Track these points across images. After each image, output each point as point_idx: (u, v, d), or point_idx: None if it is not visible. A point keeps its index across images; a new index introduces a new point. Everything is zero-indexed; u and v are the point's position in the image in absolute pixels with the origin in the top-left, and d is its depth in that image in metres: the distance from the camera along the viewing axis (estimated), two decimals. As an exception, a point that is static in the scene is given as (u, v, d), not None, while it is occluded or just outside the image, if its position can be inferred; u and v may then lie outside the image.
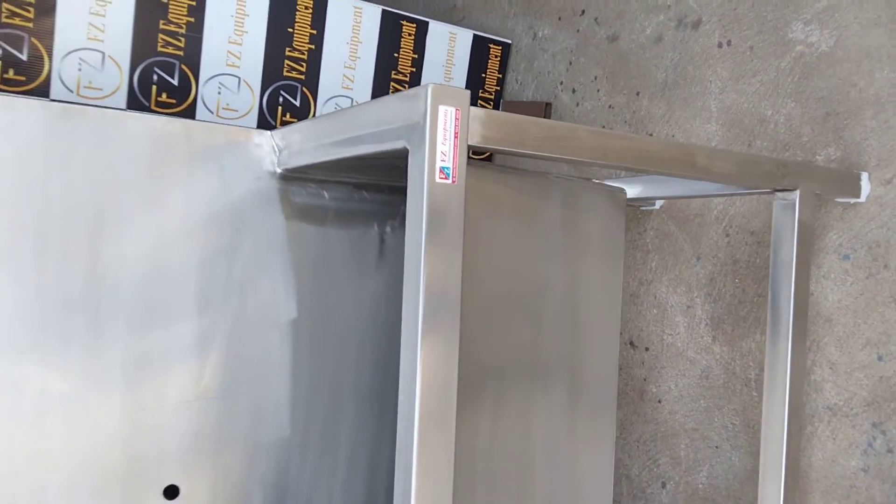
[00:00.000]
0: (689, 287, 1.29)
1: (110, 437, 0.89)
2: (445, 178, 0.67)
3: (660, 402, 1.33)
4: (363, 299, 1.08)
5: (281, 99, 1.48)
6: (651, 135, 1.37)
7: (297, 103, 1.50)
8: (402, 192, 1.15)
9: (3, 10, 1.19)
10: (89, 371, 0.88)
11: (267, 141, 1.00)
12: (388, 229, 1.10)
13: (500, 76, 1.71)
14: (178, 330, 0.94)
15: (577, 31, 1.55)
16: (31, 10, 1.20)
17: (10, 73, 1.22)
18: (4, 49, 1.20)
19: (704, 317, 1.27)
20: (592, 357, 1.11)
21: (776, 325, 0.98)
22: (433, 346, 0.66)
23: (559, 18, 1.60)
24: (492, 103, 1.72)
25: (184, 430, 0.94)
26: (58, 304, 0.86)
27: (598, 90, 1.49)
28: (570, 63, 1.57)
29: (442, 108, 0.66)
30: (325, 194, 1.05)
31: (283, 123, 1.47)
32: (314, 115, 1.49)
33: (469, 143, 0.69)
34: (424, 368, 0.66)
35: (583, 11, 1.54)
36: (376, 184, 1.09)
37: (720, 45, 1.26)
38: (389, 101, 0.73)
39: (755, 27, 1.21)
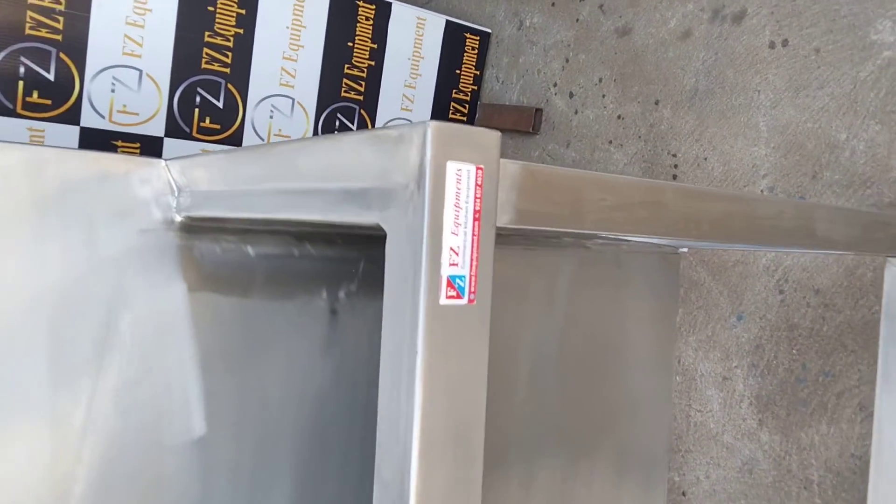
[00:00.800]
0: (727, 353, 1.01)
1: None
2: (458, 297, 0.36)
3: (684, 494, 1.05)
4: (305, 399, 0.76)
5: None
6: (674, 155, 1.08)
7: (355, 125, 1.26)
8: (364, 241, 0.83)
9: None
10: None
11: (160, 175, 0.67)
12: (341, 296, 0.78)
13: (478, 73, 1.40)
14: (18, 462, 0.61)
15: (577, 20, 1.25)
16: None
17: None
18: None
19: (748, 394, 0.99)
20: (643, 429, 0.85)
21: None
22: None
23: (552, 4, 1.30)
24: (467, 106, 1.40)
25: None
26: None
27: (604, 95, 1.20)
28: (567, 60, 1.26)
29: (453, 168, 0.35)
30: (250, 250, 0.72)
31: (204, 132, 1.13)
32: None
33: (498, 225, 0.38)
34: None
35: (583, -4, 1.24)
36: (325, 233, 0.77)
37: (773, 46, 0.98)
38: (353, 143, 0.41)
39: (822, 24, 0.93)
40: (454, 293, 0.36)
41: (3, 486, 0.61)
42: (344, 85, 1.24)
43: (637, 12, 1.15)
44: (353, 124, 1.28)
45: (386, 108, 1.31)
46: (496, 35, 1.40)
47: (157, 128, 1.07)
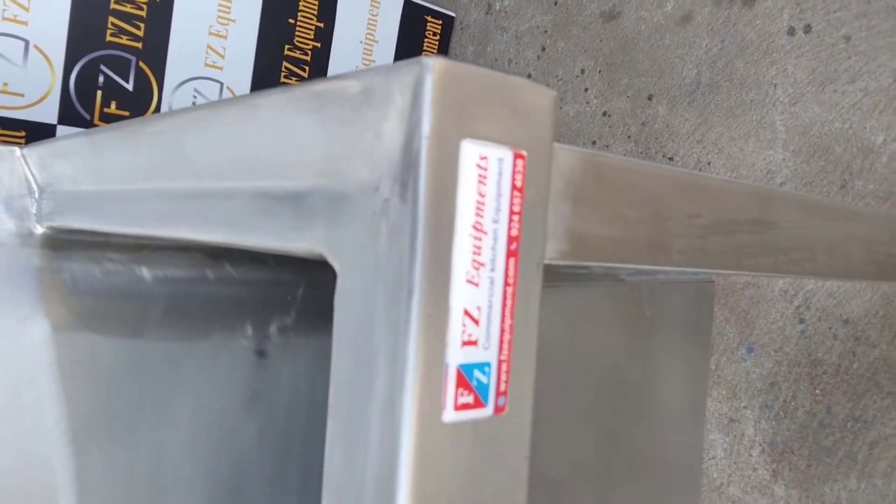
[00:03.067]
0: (734, 391, 0.87)
1: None
2: (477, 406, 0.18)
3: (681, 555, 0.90)
4: (220, 474, 0.57)
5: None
6: (671, 159, 0.93)
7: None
8: (308, 260, 0.65)
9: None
10: None
11: (13, 169, 0.47)
12: (272, 331, 0.59)
13: (439, 62, 1.22)
14: None
15: (555, 3, 1.09)
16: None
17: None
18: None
19: (760, 439, 0.84)
20: (676, 473, 0.70)
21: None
22: None
23: (526, -15, 1.14)
24: (426, 99, 1.23)
25: None
26: None
27: (587, 89, 1.04)
28: (544, 49, 1.11)
29: (472, 152, 0.18)
30: (145, 273, 0.53)
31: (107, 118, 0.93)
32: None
33: (547, 262, 0.20)
34: None
35: (563, -24, 1.08)
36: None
37: (792, 32, 0.83)
38: (278, 109, 0.23)
39: (854, 7, 0.79)
40: (471, 398, 0.18)
41: None
42: (284, 69, 1.06)
43: (627, -7, 0.99)
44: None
45: (333, 98, 1.12)
46: (461, 20, 1.24)
47: (48, 113, 0.86)
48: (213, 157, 0.27)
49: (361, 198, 0.20)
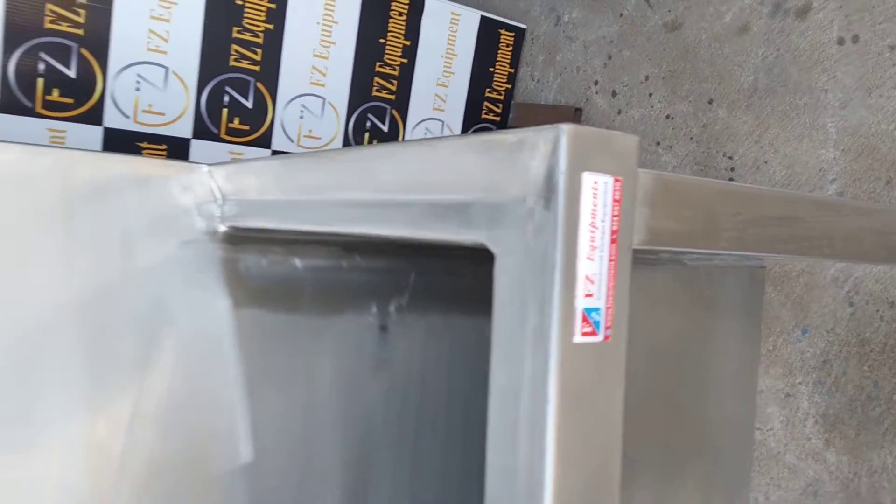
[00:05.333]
0: (790, 369, 0.95)
1: None
2: (593, 334, 0.30)
3: (741, 516, 0.99)
4: (354, 422, 0.70)
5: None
6: (731, 157, 1.02)
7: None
8: (415, 252, 0.78)
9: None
10: None
11: (202, 182, 0.61)
12: (391, 310, 0.72)
13: (512, 71, 1.34)
14: (47, 494, 0.55)
15: (621, 15, 1.19)
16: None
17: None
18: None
19: (813, 412, 0.93)
20: (730, 445, 0.81)
21: None
22: None
23: (593, -1, 1.24)
24: (501, 105, 1.35)
25: None
26: None
27: (651, 94, 1.14)
28: (610, 57, 1.21)
29: (589, 180, 0.30)
30: (298, 263, 0.67)
31: (231, 132, 1.08)
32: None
33: (634, 247, 0.32)
34: None
35: (628, -10, 1.18)
36: (375, 243, 0.71)
37: (841, 42, 0.92)
38: (452, 149, 0.36)
39: (899, 17, 0.87)
40: (590, 329, 0.30)
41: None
42: (375, 84, 1.19)
43: (688, 6, 1.09)
44: (384, 125, 1.22)
45: (417, 107, 1.25)
46: (531, 31, 1.35)
47: (184, 128, 1.02)
48: (398, 177, 0.39)
49: (512, 207, 0.32)
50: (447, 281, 0.76)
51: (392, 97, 1.21)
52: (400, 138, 1.23)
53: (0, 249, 0.53)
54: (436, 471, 0.78)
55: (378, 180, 0.41)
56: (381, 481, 0.72)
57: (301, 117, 1.13)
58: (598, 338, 0.30)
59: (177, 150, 1.02)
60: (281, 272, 0.65)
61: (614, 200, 0.30)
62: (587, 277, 0.30)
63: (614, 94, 1.19)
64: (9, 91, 0.87)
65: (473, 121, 1.31)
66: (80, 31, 0.89)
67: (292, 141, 1.14)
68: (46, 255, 0.55)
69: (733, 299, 0.79)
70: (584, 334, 0.30)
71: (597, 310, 0.30)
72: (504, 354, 0.32)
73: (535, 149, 0.31)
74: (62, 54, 0.89)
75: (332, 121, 1.16)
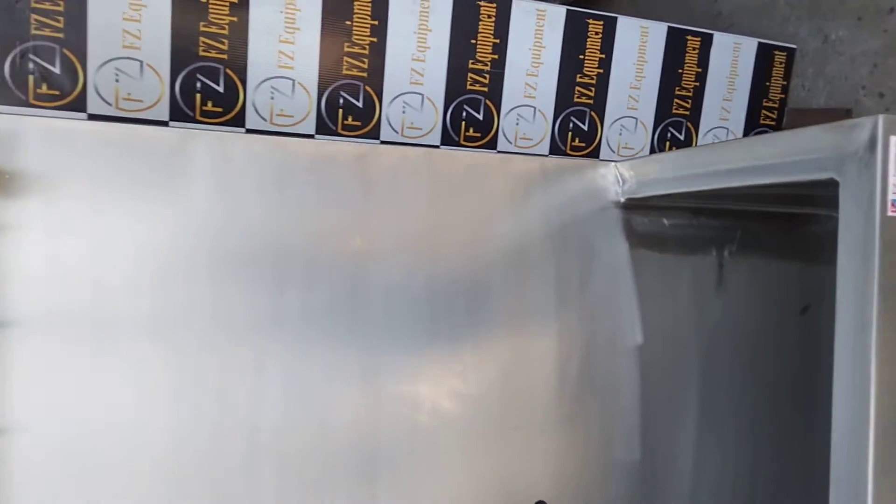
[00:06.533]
0: None
1: (486, 453, 0.95)
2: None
3: None
4: (703, 326, 1.06)
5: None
6: None
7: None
8: (739, 216, 1.12)
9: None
10: (465, 394, 0.95)
11: (611, 172, 1.02)
12: (725, 254, 1.08)
13: (785, 83, 1.63)
14: (540, 354, 0.98)
15: (885, 31, 1.43)
16: (367, 61, 1.30)
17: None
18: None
19: None
20: None
21: None
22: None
23: (859, 19, 1.49)
24: (776, 112, 1.63)
25: (548, 448, 0.98)
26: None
27: (917, 93, 1.37)
28: (875, 66, 1.45)
29: (894, 140, 0.63)
30: (665, 221, 1.05)
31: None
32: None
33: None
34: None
35: (891, 9, 1.42)
36: (714, 209, 1.07)
37: None
38: (812, 133, 0.71)
39: None
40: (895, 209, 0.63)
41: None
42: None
43: (950, 18, 1.31)
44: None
45: (707, 120, 1.59)
46: (801, 49, 1.62)
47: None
48: (770, 150, 0.75)
49: (849, 157, 0.67)
50: (763, 237, 1.10)
51: (687, 113, 1.56)
52: (693, 143, 1.57)
53: (510, 220, 0.97)
54: (757, 376, 1.11)
55: (754, 154, 0.78)
56: (719, 369, 1.07)
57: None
58: (899, 214, 0.64)
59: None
60: (656, 227, 1.04)
61: (906, 151, 0.64)
62: (894, 185, 0.63)
63: (882, 95, 1.44)
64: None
65: (754, 126, 1.62)
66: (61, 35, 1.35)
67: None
68: (534, 221, 0.99)
69: None
70: (894, 211, 0.63)
71: (898, 202, 0.63)
72: (849, 228, 0.66)
73: (864, 126, 0.65)
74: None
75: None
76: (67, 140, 0.80)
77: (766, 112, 1.62)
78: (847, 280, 0.66)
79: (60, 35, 1.12)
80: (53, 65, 1.12)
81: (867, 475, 0.63)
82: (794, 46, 1.62)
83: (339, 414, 0.87)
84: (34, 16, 1.10)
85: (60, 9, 1.12)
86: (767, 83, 1.61)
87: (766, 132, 1.65)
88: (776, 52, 1.60)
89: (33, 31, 1.11)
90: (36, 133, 0.79)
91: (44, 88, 1.12)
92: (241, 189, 0.85)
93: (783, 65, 1.61)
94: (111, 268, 0.79)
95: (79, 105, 1.14)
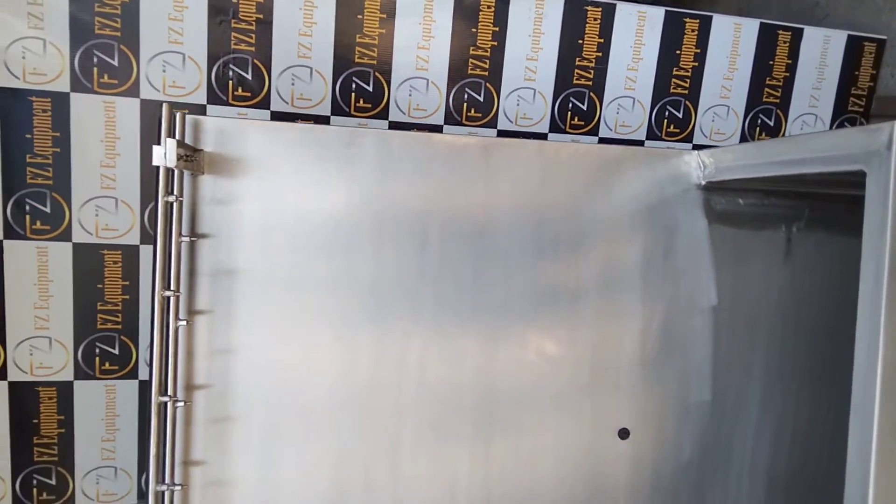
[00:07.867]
0: None
1: (581, 390, 1.19)
2: (909, 198, 0.82)
3: None
4: (772, 291, 1.25)
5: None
6: None
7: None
8: (806, 197, 1.30)
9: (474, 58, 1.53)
10: (565, 342, 1.19)
11: (694, 159, 1.22)
12: (793, 230, 1.26)
13: (874, 72, 1.74)
14: (628, 311, 1.21)
15: (973, 23, 1.53)
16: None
17: (239, 91, 1.56)
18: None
19: None
20: None
21: None
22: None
23: (949, 11, 1.59)
24: (864, 99, 1.75)
25: (633, 388, 1.21)
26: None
27: None
28: (962, 57, 1.55)
29: (907, 141, 0.82)
30: (740, 201, 1.24)
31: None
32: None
33: (928, 167, 0.83)
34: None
35: (980, 3, 1.52)
36: (783, 191, 1.25)
37: None
38: (850, 133, 0.90)
39: None
40: (907, 196, 0.82)
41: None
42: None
43: None
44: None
45: (797, 107, 1.73)
46: (891, 40, 1.73)
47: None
48: (819, 145, 0.94)
49: (875, 151, 0.85)
50: (828, 215, 1.27)
51: (776, 101, 1.71)
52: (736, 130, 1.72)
53: (606, 201, 1.19)
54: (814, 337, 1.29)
55: (807, 147, 0.96)
56: (785, 330, 1.26)
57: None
58: (911, 200, 0.82)
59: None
60: (732, 206, 1.24)
61: (918, 148, 0.82)
62: (906, 176, 0.82)
63: (966, 85, 1.54)
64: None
65: (842, 113, 1.74)
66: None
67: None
68: (628, 201, 1.20)
69: None
70: (904, 197, 0.82)
71: None
72: (875, 208, 0.85)
73: (884, 130, 0.83)
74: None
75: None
76: (276, 136, 1.09)
77: (854, 100, 1.74)
78: (870, 250, 0.85)
79: (253, 49, 1.43)
80: (247, 72, 1.44)
81: (874, 404, 0.82)
82: (884, 38, 1.72)
83: (467, 346, 1.14)
84: (233, 33, 1.42)
85: (253, 28, 1.43)
86: (856, 72, 1.72)
87: (853, 119, 1.76)
88: (866, 43, 1.71)
89: (233, 46, 1.42)
90: (254, 130, 1.08)
91: (239, 91, 1.44)
92: (397, 172, 1.12)
93: (872, 55, 1.72)
94: (309, 231, 1.09)
95: (264, 104, 1.46)
